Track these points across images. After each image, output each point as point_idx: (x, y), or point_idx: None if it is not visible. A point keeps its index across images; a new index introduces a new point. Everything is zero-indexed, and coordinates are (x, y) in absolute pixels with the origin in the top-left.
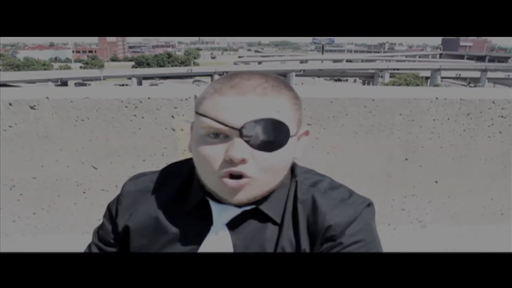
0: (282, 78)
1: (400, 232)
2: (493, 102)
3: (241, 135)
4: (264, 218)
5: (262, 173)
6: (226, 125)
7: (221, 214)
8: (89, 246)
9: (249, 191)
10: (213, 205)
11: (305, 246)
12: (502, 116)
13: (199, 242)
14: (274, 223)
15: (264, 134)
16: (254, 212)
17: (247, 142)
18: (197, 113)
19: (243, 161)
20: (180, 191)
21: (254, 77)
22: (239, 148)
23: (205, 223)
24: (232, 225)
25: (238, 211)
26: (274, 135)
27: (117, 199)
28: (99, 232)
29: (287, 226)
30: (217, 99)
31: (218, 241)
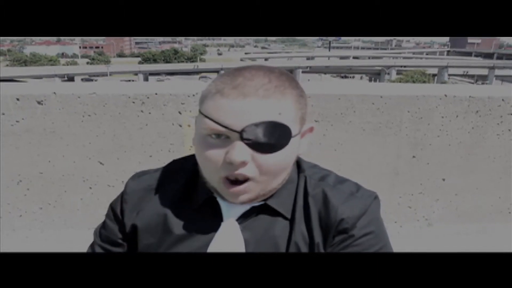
0: (288, 73)
1: (407, 230)
2: (503, 100)
3: (242, 138)
4: (274, 213)
5: (263, 174)
6: (227, 128)
7: (230, 211)
8: (92, 246)
9: (251, 193)
10: (222, 202)
11: (318, 239)
12: (511, 114)
13: (209, 239)
14: (284, 218)
15: (264, 136)
16: (264, 207)
17: (247, 144)
18: (200, 111)
19: (243, 163)
20: (186, 188)
21: (258, 76)
22: (239, 151)
23: (215, 219)
24: (242, 221)
25: (247, 206)
26: (275, 137)
27: (121, 198)
28: (101, 232)
29: (298, 220)
30: (219, 101)
31: (229, 237)
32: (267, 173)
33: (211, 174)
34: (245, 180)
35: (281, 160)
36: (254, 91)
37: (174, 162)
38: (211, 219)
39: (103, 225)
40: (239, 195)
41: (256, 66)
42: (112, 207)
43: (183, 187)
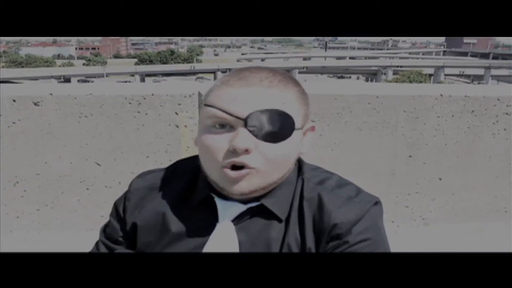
0: (290, 75)
1: (404, 229)
2: (498, 99)
3: (246, 125)
4: (269, 215)
5: (265, 164)
6: (231, 115)
7: (226, 211)
8: (97, 244)
9: (250, 182)
10: (219, 202)
11: (310, 244)
12: (507, 113)
13: (205, 239)
14: (280, 220)
15: (269, 124)
16: (260, 209)
17: (251, 132)
18: (205, 104)
19: (246, 151)
20: (187, 188)
21: (262, 71)
22: (243, 138)
23: (211, 219)
24: (238, 222)
25: (243, 207)
26: (279, 126)
27: (125, 197)
28: (106, 230)
29: (293, 224)
30: (224, 90)
31: (223, 237)
32: (269, 163)
33: (213, 165)
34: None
35: (284, 152)
36: (259, 81)
37: (179, 162)
38: (207, 219)
39: (107, 223)
40: (239, 181)
41: (260, 66)
42: (116, 205)
43: (184, 187)
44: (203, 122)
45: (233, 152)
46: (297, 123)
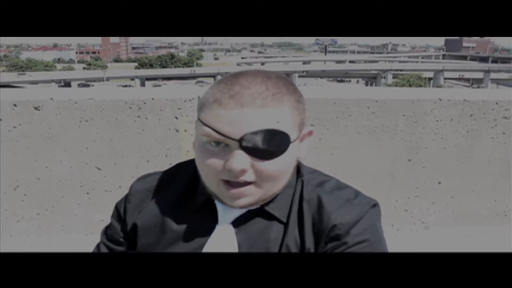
0: (285, 77)
1: (403, 233)
2: (497, 103)
3: (241, 146)
4: (269, 217)
5: (264, 180)
6: (226, 136)
7: (226, 213)
8: (98, 245)
9: (251, 197)
10: (219, 204)
11: (309, 245)
12: (505, 117)
13: (204, 241)
14: (280, 222)
15: (263, 144)
16: (260, 211)
17: (246, 152)
18: (199, 118)
19: (242, 171)
20: (187, 190)
21: (255, 83)
22: (238, 159)
23: (211, 221)
24: (237, 224)
25: (243, 210)
26: (274, 145)
27: (126, 198)
28: (107, 232)
29: (292, 225)
30: (217, 110)
31: (223, 239)
32: (267, 178)
33: (211, 180)
34: (246, 184)
35: (281, 166)
36: (251, 100)
37: (178, 165)
38: (207, 222)
39: (109, 225)
40: (239, 197)
41: (253, 72)
42: (116, 207)
43: (183, 189)
44: (198, 136)
45: (229, 171)
46: (293, 136)
